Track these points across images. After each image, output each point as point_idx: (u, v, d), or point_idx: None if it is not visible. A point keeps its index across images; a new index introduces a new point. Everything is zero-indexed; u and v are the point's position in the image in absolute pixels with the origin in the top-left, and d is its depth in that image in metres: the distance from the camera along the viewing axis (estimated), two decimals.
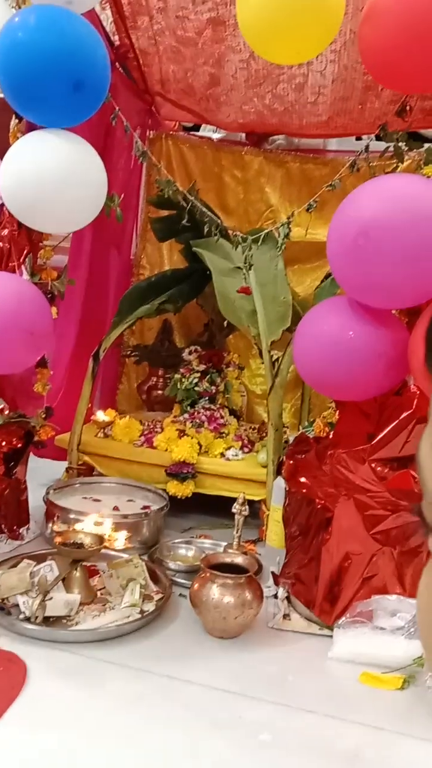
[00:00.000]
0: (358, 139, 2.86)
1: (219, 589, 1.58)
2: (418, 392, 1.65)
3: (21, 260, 1.81)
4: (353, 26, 2.15)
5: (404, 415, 1.64)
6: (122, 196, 1.91)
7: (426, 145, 1.84)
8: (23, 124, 1.82)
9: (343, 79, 2.44)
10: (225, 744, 1.26)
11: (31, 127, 1.76)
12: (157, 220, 2.54)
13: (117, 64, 2.39)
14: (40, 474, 2.36)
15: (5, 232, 1.81)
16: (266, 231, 2.05)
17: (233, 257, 2.29)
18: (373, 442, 1.65)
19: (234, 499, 1.75)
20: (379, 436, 1.64)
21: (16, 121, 1.82)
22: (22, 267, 1.82)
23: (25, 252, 1.84)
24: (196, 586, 1.61)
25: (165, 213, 2.55)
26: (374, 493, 1.62)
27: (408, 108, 1.80)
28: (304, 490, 1.72)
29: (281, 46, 1.68)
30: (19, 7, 1.70)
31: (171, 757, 1.21)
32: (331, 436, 1.79)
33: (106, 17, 2.35)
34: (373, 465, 1.63)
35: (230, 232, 2.16)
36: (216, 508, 2.24)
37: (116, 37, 2.44)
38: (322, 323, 1.69)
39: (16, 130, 1.82)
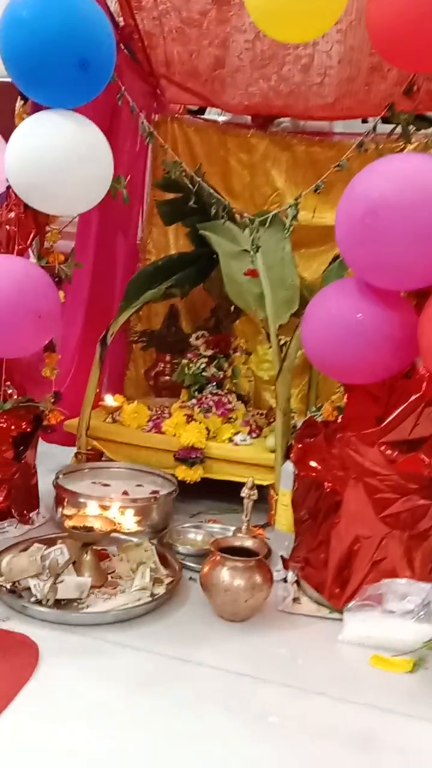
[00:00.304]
0: (364, 121, 2.82)
1: (229, 572, 1.58)
2: (427, 375, 1.64)
3: (28, 243, 1.80)
4: (360, 6, 2.12)
5: (413, 397, 1.63)
6: (128, 177, 1.90)
7: None
8: (28, 105, 1.80)
9: (349, 60, 2.41)
10: (234, 726, 1.26)
11: (36, 108, 1.75)
12: (164, 203, 2.52)
13: (122, 45, 2.36)
14: (49, 459, 2.36)
15: (12, 215, 1.80)
16: (274, 213, 2.03)
17: (240, 240, 2.27)
18: (382, 425, 1.64)
19: (242, 484, 1.75)
20: (388, 419, 1.63)
21: (22, 102, 1.81)
22: (29, 250, 1.81)
23: (32, 235, 1.83)
24: (206, 569, 1.61)
25: (171, 196, 2.53)
26: (384, 476, 1.62)
27: (416, 87, 1.78)
28: (314, 474, 1.72)
29: (287, 24, 1.65)
30: None
31: (181, 738, 1.22)
32: (339, 420, 1.78)
33: None
34: (382, 448, 1.62)
35: (238, 213, 2.15)
36: (224, 493, 2.24)
37: (121, 18, 2.41)
38: (331, 305, 1.68)
39: (22, 112, 1.80)
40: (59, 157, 1.60)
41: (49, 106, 1.70)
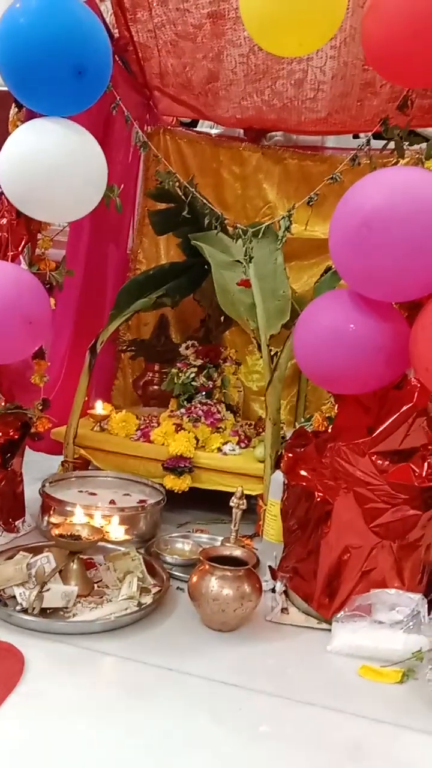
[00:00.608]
0: (356, 137, 2.87)
1: (218, 581, 1.57)
2: (418, 386, 1.65)
3: (20, 250, 1.79)
4: (353, 23, 2.16)
5: (405, 408, 1.64)
6: (122, 186, 1.90)
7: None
8: (23, 113, 1.80)
9: (342, 76, 2.44)
10: (225, 735, 1.25)
11: (30, 116, 1.75)
12: (156, 213, 2.53)
13: (116, 56, 2.38)
14: (35, 468, 2.34)
15: (3, 221, 1.79)
16: (267, 224, 2.04)
17: (232, 251, 2.28)
18: (373, 435, 1.64)
19: (230, 494, 1.74)
20: (380, 429, 1.64)
21: (16, 109, 1.81)
22: (21, 257, 1.81)
23: (23, 242, 1.82)
24: (194, 578, 1.60)
25: (163, 206, 2.54)
26: (374, 486, 1.62)
27: (410, 102, 1.80)
28: (304, 483, 1.72)
29: (283, 38, 1.67)
30: None
31: (171, 747, 1.20)
32: (330, 430, 1.78)
33: (106, 9, 2.33)
34: (373, 458, 1.63)
35: (231, 224, 2.16)
36: (212, 503, 2.24)
37: (116, 30, 2.43)
38: (323, 316, 1.68)
39: (16, 119, 1.80)
40: (53, 164, 1.60)
41: (43, 114, 1.70)
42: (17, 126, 1.77)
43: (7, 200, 1.75)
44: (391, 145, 1.93)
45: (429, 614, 1.61)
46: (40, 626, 1.49)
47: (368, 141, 1.91)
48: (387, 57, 1.61)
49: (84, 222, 2.26)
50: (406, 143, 1.87)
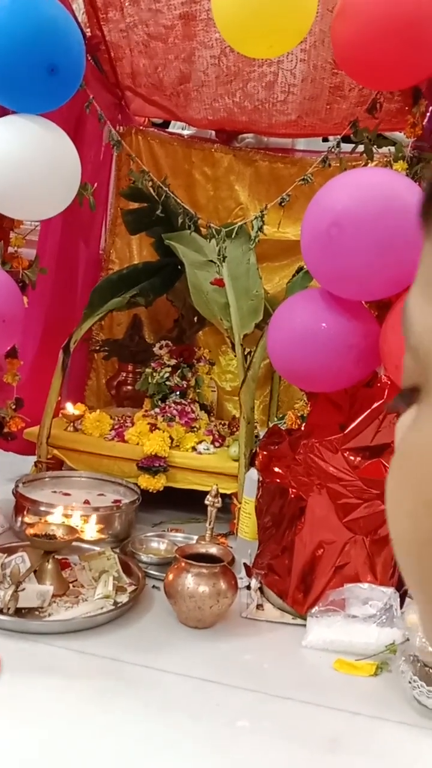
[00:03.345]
0: (325, 140, 2.90)
1: (194, 578, 1.58)
2: (389, 383, 1.68)
3: None
4: (323, 26, 2.18)
5: (376, 405, 1.67)
6: (95, 185, 1.90)
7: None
8: None
9: (312, 79, 2.47)
10: (203, 731, 1.26)
11: (2, 112, 1.74)
12: (129, 212, 2.53)
13: (88, 56, 2.37)
14: (6, 468, 2.32)
15: None
16: (240, 224, 2.06)
17: (206, 251, 2.29)
18: (345, 432, 1.67)
19: (204, 494, 1.75)
20: (351, 426, 1.67)
21: None
22: None
23: None
24: (170, 576, 1.60)
25: (136, 206, 2.54)
26: (347, 482, 1.64)
27: (379, 105, 1.83)
28: (278, 480, 1.73)
29: (255, 39, 1.69)
30: None
31: (149, 745, 1.21)
32: (303, 428, 1.80)
33: (78, 7, 2.33)
34: (345, 454, 1.65)
35: (204, 224, 2.17)
36: (185, 503, 2.24)
37: (88, 29, 2.42)
38: (295, 315, 1.71)
39: None
40: (27, 162, 1.60)
41: (15, 111, 1.70)
42: None
43: None
44: (360, 147, 1.96)
45: (401, 608, 1.63)
46: (15, 626, 1.47)
47: (338, 143, 1.93)
48: (356, 60, 1.64)
49: (55, 220, 2.24)
50: (375, 146, 1.90)
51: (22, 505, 1.99)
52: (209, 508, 1.72)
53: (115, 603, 1.61)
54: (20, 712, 1.25)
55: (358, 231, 1.50)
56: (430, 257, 0.33)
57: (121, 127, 2.80)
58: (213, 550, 1.67)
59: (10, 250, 1.86)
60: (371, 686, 1.47)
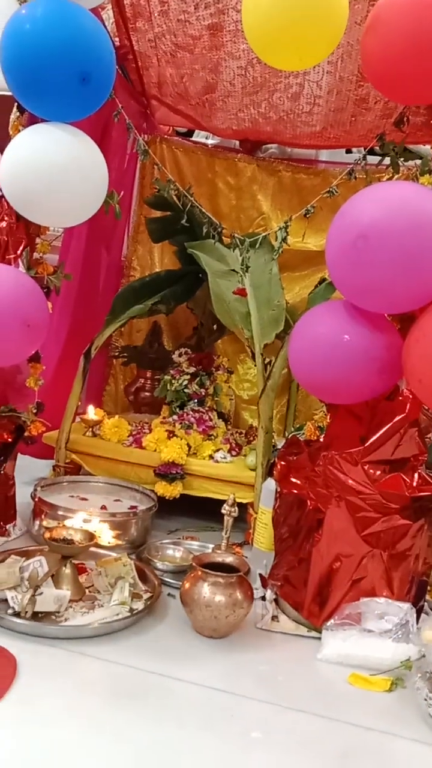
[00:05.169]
0: (348, 152, 2.91)
1: (210, 587, 1.58)
2: (411, 397, 1.67)
3: (18, 253, 1.80)
4: (350, 39, 2.19)
5: (397, 418, 1.66)
6: (121, 193, 1.92)
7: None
8: (24, 117, 1.81)
9: (338, 91, 2.48)
10: (217, 741, 1.25)
11: (32, 121, 1.76)
12: (153, 220, 2.55)
13: (116, 64, 2.40)
14: (24, 472, 2.33)
15: (3, 224, 1.80)
16: (264, 235, 2.06)
17: (228, 260, 2.30)
18: (365, 445, 1.66)
19: (220, 502, 1.75)
20: (372, 439, 1.66)
21: (18, 113, 1.82)
22: (19, 260, 1.81)
23: (22, 245, 1.83)
24: (187, 584, 1.60)
25: (159, 214, 2.56)
26: (366, 495, 1.64)
27: (406, 119, 1.84)
28: (296, 491, 1.73)
29: (285, 52, 1.70)
30: (26, 1, 1.70)
31: (163, 753, 1.21)
32: (322, 439, 1.80)
33: (108, 17, 2.35)
34: (365, 467, 1.65)
35: (228, 233, 2.18)
36: (201, 511, 2.24)
37: (116, 38, 2.45)
38: (318, 326, 1.71)
39: (18, 124, 1.81)
40: (57, 169, 1.61)
41: (46, 119, 1.72)
42: (19, 130, 1.77)
43: (8, 203, 1.75)
44: (387, 160, 1.96)
45: (417, 624, 1.62)
46: (32, 630, 1.48)
47: (365, 156, 1.94)
48: (385, 74, 1.65)
49: (79, 227, 2.27)
50: (401, 159, 1.90)
51: (40, 508, 2.00)
52: (226, 517, 1.72)
53: (131, 610, 1.61)
54: (35, 714, 1.25)
55: (384, 244, 1.50)
56: None
57: (146, 136, 2.83)
58: (229, 559, 1.67)
59: (36, 256, 1.88)
60: (385, 702, 1.46)
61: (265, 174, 2.83)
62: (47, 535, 1.68)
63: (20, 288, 1.68)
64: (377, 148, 2.00)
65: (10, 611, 1.52)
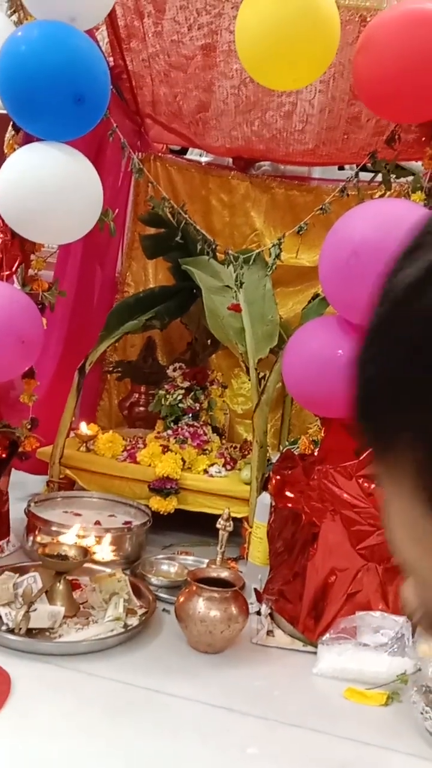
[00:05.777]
0: (341, 168, 2.95)
1: (205, 602, 1.57)
2: None
3: (13, 270, 1.81)
4: (341, 58, 2.23)
5: None
6: (116, 211, 1.94)
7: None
8: (20, 136, 1.84)
9: (330, 110, 2.52)
10: (213, 757, 1.25)
11: (28, 139, 1.78)
12: (148, 237, 2.57)
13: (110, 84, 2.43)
14: (18, 488, 2.32)
15: None
16: (257, 252, 2.09)
17: (222, 276, 2.32)
18: (360, 458, 1.67)
19: (215, 517, 1.75)
20: (367, 452, 1.67)
21: (13, 132, 1.84)
22: (14, 277, 1.82)
23: (17, 262, 1.84)
24: (182, 599, 1.60)
25: (153, 231, 2.58)
26: (361, 508, 1.64)
27: (398, 137, 1.87)
28: (291, 505, 1.73)
29: (278, 72, 1.73)
30: (22, 23, 1.73)
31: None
32: (317, 453, 1.81)
33: (102, 37, 2.39)
34: (360, 480, 1.65)
35: (222, 250, 2.20)
36: (196, 526, 2.24)
37: (110, 58, 2.48)
38: (312, 341, 1.72)
39: (13, 142, 1.83)
40: (52, 187, 1.63)
41: (42, 138, 1.74)
42: (14, 149, 1.80)
43: (2, 221, 1.77)
44: (379, 177, 1.99)
45: (413, 637, 1.62)
46: (26, 646, 1.47)
47: (357, 173, 1.96)
48: (377, 93, 1.68)
49: (74, 244, 2.28)
50: (393, 176, 1.92)
51: (34, 524, 2.00)
52: (221, 532, 1.73)
53: (126, 626, 1.61)
54: (29, 732, 1.25)
55: (376, 261, 1.51)
56: None
57: (141, 154, 2.85)
58: (224, 574, 1.67)
59: (31, 272, 1.89)
60: (382, 716, 1.46)
61: (258, 191, 2.86)
62: (41, 550, 1.68)
63: (15, 304, 1.69)
64: (369, 165, 2.03)
65: (3, 628, 1.51)
